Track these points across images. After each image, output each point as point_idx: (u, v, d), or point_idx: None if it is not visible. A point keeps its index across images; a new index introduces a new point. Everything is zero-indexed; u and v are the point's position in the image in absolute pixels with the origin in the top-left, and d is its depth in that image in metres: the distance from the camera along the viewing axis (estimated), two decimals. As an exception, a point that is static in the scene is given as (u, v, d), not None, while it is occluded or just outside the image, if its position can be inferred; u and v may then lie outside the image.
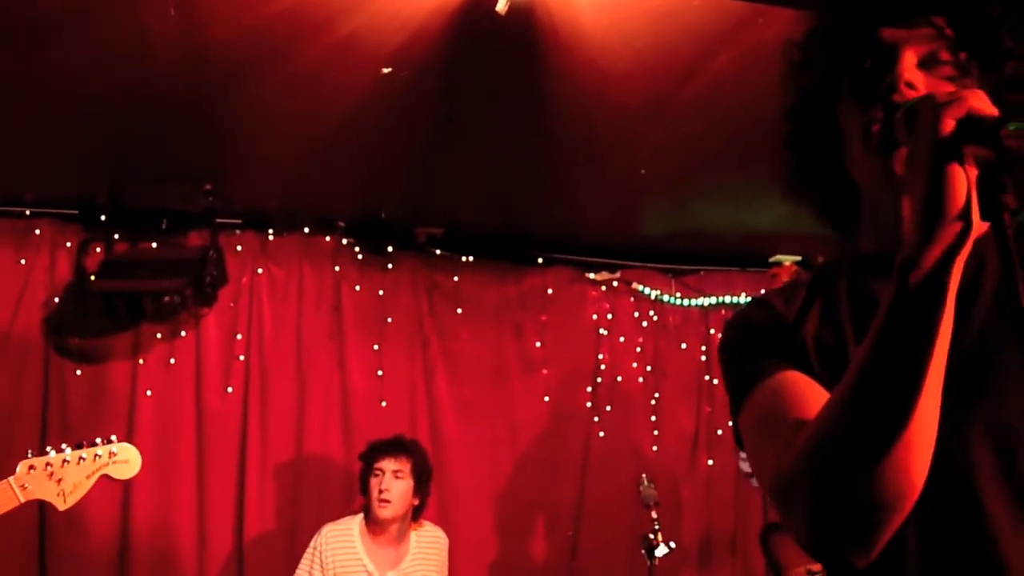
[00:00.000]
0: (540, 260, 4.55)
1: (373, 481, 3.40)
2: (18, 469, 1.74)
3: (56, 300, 3.93)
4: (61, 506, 1.78)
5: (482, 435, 4.35)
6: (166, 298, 3.65)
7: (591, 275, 4.62)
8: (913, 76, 1.02)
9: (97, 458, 1.83)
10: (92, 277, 3.81)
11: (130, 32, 2.63)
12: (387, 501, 3.34)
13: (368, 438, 3.65)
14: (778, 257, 4.80)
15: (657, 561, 2.77)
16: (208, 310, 4.00)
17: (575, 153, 3.49)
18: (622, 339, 4.61)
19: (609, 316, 4.62)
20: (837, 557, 0.92)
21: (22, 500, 1.73)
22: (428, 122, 3.24)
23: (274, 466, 4.05)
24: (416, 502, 3.46)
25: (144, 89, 2.97)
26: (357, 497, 3.70)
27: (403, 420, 4.15)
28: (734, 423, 1.17)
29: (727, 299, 4.75)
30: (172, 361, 4.00)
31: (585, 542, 4.36)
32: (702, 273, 4.79)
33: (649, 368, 4.62)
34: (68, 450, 1.80)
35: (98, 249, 3.95)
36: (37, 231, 3.94)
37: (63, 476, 1.78)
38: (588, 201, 4.07)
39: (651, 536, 2.79)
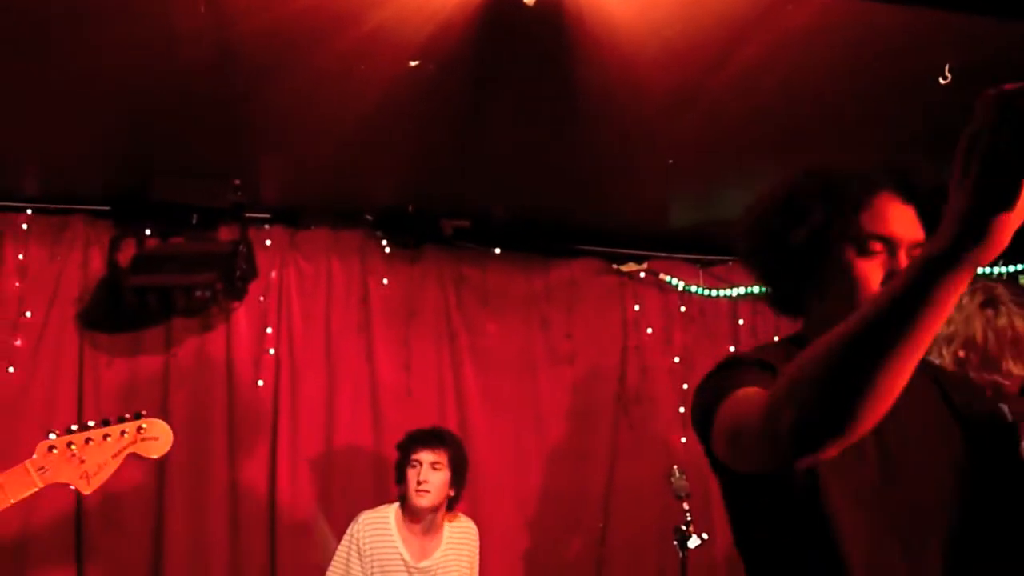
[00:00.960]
0: (567, 252, 4.54)
1: (411, 472, 3.44)
2: (37, 451, 1.57)
3: (89, 295, 3.98)
4: (85, 489, 1.61)
5: (510, 427, 4.36)
6: (197, 292, 3.68)
7: (618, 266, 4.61)
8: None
9: (124, 435, 1.65)
10: (125, 272, 3.85)
11: (161, 30, 2.65)
12: (426, 491, 3.38)
13: (397, 430, 3.68)
14: (807, 247, 4.76)
15: (689, 552, 2.77)
16: (238, 304, 4.03)
17: (602, 144, 3.47)
18: (650, 330, 4.59)
19: (637, 307, 4.60)
20: (813, 450, 1.12)
21: (41, 485, 1.57)
22: (455, 114, 3.24)
23: (305, 458, 4.08)
24: (451, 493, 3.49)
25: (174, 86, 2.99)
26: (387, 487, 3.73)
27: (431, 412, 4.16)
28: (707, 433, 1.39)
29: (756, 289, 4.70)
30: (203, 355, 4.03)
31: (614, 534, 4.36)
32: (731, 263, 4.75)
33: (677, 359, 4.60)
34: (92, 427, 1.62)
35: (130, 245, 3.99)
36: (71, 228, 3.99)
37: (87, 457, 1.61)
38: (615, 192, 4.05)
39: (683, 527, 2.78)
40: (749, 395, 1.30)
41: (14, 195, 3.94)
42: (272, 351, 4.10)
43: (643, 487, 4.38)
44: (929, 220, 1.50)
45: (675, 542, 2.80)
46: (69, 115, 3.21)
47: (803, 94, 3.08)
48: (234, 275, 3.75)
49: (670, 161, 3.62)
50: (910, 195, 1.50)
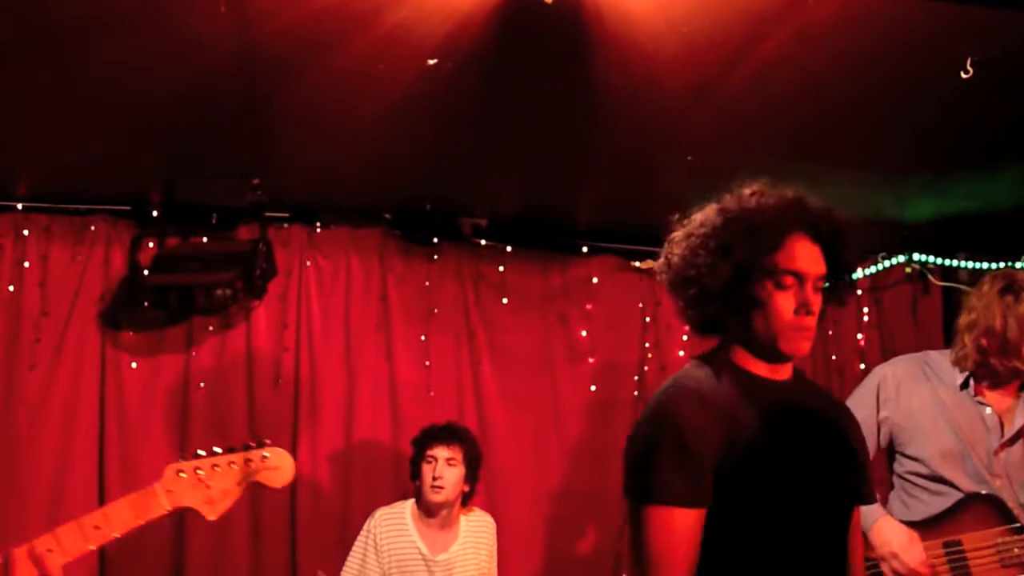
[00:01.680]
0: (585, 249, 4.53)
1: (426, 468, 3.46)
2: (165, 474, 1.58)
3: (111, 295, 4.02)
4: (210, 515, 1.61)
5: (529, 424, 4.36)
6: (218, 291, 3.70)
7: (637, 264, 4.59)
8: (813, 299, 1.83)
9: (248, 464, 1.65)
10: (145, 271, 3.89)
11: (182, 31, 2.66)
12: (440, 487, 3.40)
13: (416, 428, 3.69)
14: (826, 243, 4.73)
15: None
16: (258, 303, 4.05)
17: (621, 141, 3.46)
18: (669, 327, 4.58)
19: (656, 304, 4.59)
20: None
21: (168, 508, 1.59)
22: (473, 112, 3.24)
23: (325, 455, 4.10)
24: (466, 489, 3.51)
25: (194, 87, 3.01)
26: (407, 484, 3.74)
27: (450, 409, 4.17)
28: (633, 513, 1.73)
29: (775, 286, 4.68)
30: (224, 353, 4.06)
31: (633, 531, 4.35)
32: (749, 260, 4.73)
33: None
34: (219, 453, 1.64)
35: (150, 244, 4.03)
36: (92, 228, 4.02)
37: (212, 483, 1.61)
38: (633, 189, 4.03)
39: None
40: (671, 545, 1.65)
41: (37, 195, 3.97)
42: (292, 349, 4.12)
43: (662, 484, 4.38)
44: (831, 257, 1.85)
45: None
46: (91, 116, 3.23)
47: (822, 90, 3.06)
48: (254, 274, 3.78)
49: (688, 158, 3.60)
50: (817, 235, 1.84)
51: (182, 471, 1.63)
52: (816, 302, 1.82)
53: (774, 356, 1.84)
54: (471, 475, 3.52)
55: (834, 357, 4.70)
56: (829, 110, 3.21)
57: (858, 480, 1.93)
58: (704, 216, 1.94)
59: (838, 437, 1.92)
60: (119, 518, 1.55)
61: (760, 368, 1.86)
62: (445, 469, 3.42)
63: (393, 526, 3.48)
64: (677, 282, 1.91)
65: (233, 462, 1.67)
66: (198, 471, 1.63)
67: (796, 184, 4.01)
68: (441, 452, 3.45)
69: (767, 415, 1.77)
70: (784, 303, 1.79)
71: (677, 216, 2.03)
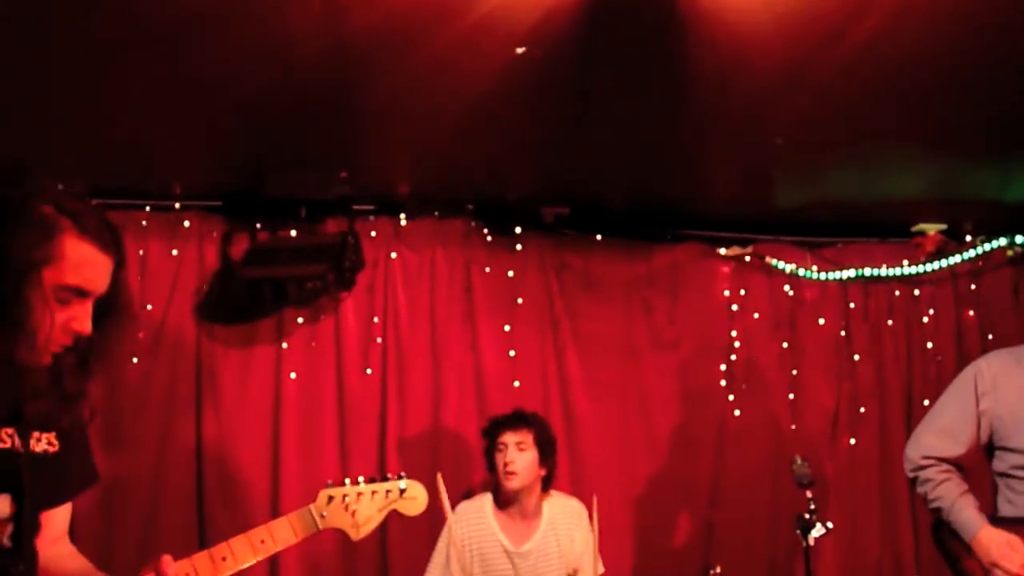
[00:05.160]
0: (669, 237, 4.47)
1: (498, 456, 3.43)
2: (319, 498, 1.79)
3: (205, 288, 4.13)
4: (355, 536, 1.83)
5: (615, 414, 4.33)
6: (309, 283, 3.77)
7: (722, 250, 4.52)
8: None
9: (388, 494, 1.88)
10: (239, 266, 3.98)
11: (275, 27, 2.70)
12: (513, 473, 3.35)
13: (503, 418, 3.68)
14: (922, 226, 4.58)
15: (812, 541, 2.70)
16: (347, 294, 4.12)
17: (709, 125, 3.40)
18: (756, 315, 4.50)
19: (742, 292, 4.51)
20: None
21: (320, 528, 1.79)
22: (560, 100, 3.22)
23: (413, 445, 4.14)
24: (543, 472, 3.45)
25: (286, 83, 3.06)
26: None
27: (536, 400, 4.17)
28: None
29: (867, 272, 4.55)
30: (314, 344, 4.14)
31: (723, 520, 4.30)
32: (840, 245, 4.61)
33: (786, 345, 4.49)
34: (363, 484, 1.86)
35: (242, 239, 4.12)
36: (186, 223, 4.13)
37: (357, 508, 1.83)
38: (720, 174, 3.97)
39: (806, 515, 2.71)
40: None
41: (134, 193, 4.10)
42: (379, 340, 4.18)
43: (752, 474, 4.31)
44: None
45: (797, 530, 2.72)
46: (186, 115, 3.32)
47: (923, 69, 2.95)
48: (343, 266, 3.84)
49: (779, 140, 3.52)
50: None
51: (332, 497, 1.83)
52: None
53: None
54: (545, 458, 3.44)
55: (930, 344, 4.54)
56: (929, 88, 3.09)
57: None
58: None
59: None
60: (282, 535, 1.73)
61: None
62: (516, 454, 3.38)
63: (474, 520, 3.44)
64: None
65: (376, 492, 1.89)
66: (346, 498, 1.83)
67: (894, 164, 3.91)
68: (510, 438, 3.41)
69: None
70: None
71: None
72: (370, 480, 1.88)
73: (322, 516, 1.78)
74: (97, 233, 1.49)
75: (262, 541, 1.69)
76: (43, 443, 1.59)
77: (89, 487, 1.72)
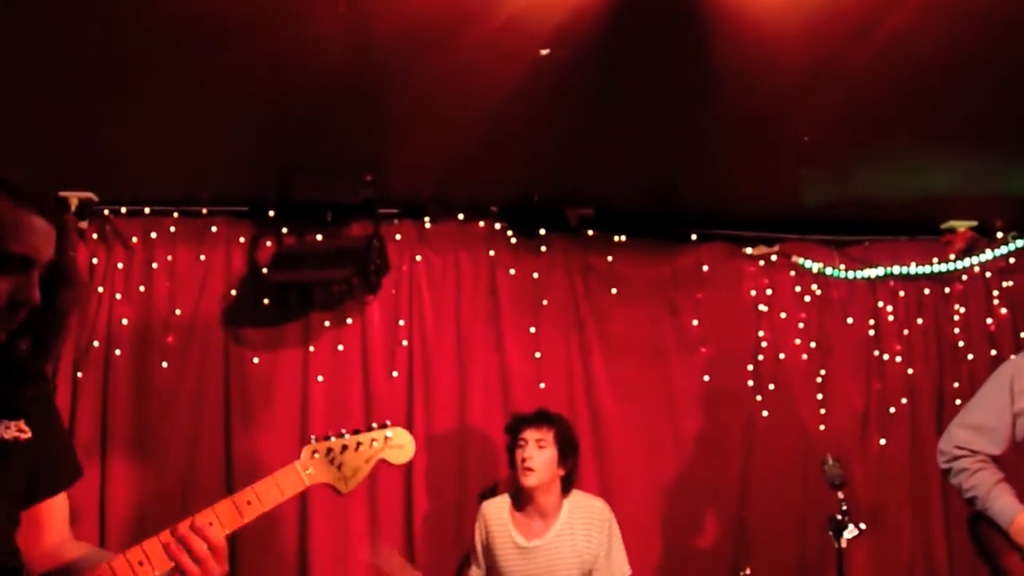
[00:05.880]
0: (694, 237, 4.45)
1: (517, 451, 3.42)
2: (302, 455, 1.74)
3: (233, 293, 4.16)
4: (343, 489, 1.77)
5: (641, 415, 4.31)
6: (335, 287, 3.79)
7: (748, 250, 4.49)
8: None
9: (374, 443, 1.80)
10: (265, 270, 4.01)
11: (300, 34, 2.72)
12: (530, 469, 3.34)
13: (529, 419, 3.68)
14: (951, 223, 4.52)
15: (845, 543, 2.67)
16: (372, 297, 4.13)
17: (735, 123, 3.38)
18: (783, 315, 4.46)
19: (769, 292, 4.47)
20: None
21: (307, 484, 1.73)
22: (583, 101, 3.22)
23: (439, 446, 4.15)
24: (562, 473, 3.42)
25: (311, 88, 3.08)
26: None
27: (561, 401, 4.16)
28: None
29: (896, 270, 4.50)
30: (340, 348, 4.16)
31: (752, 522, 4.26)
32: (868, 243, 4.56)
33: (813, 344, 4.45)
34: (346, 435, 1.79)
35: (268, 243, 4.15)
36: (213, 228, 4.18)
37: (343, 461, 1.76)
38: (745, 173, 3.94)
39: (839, 516, 2.68)
40: None
41: (163, 200, 4.15)
42: (405, 342, 4.19)
43: (781, 475, 4.27)
44: None
45: (830, 532, 2.69)
46: (213, 123, 3.35)
47: (952, 64, 2.91)
48: (368, 269, 3.85)
49: (805, 138, 3.49)
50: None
51: (316, 451, 1.76)
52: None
53: None
54: (564, 459, 3.40)
55: (961, 343, 4.48)
56: (959, 83, 3.05)
57: None
58: None
59: None
60: (268, 494, 1.67)
61: None
62: (535, 451, 3.36)
63: (495, 516, 3.46)
64: None
65: (360, 443, 1.80)
66: (330, 452, 1.76)
67: (923, 161, 3.86)
68: (531, 434, 3.40)
69: None
70: None
71: None
72: (354, 432, 1.81)
73: (308, 472, 1.72)
74: (35, 200, 1.47)
75: (248, 503, 1.64)
76: (12, 430, 1.54)
77: (77, 479, 1.72)
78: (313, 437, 1.79)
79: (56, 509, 1.66)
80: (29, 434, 1.55)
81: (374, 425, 1.83)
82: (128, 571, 1.53)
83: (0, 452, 1.50)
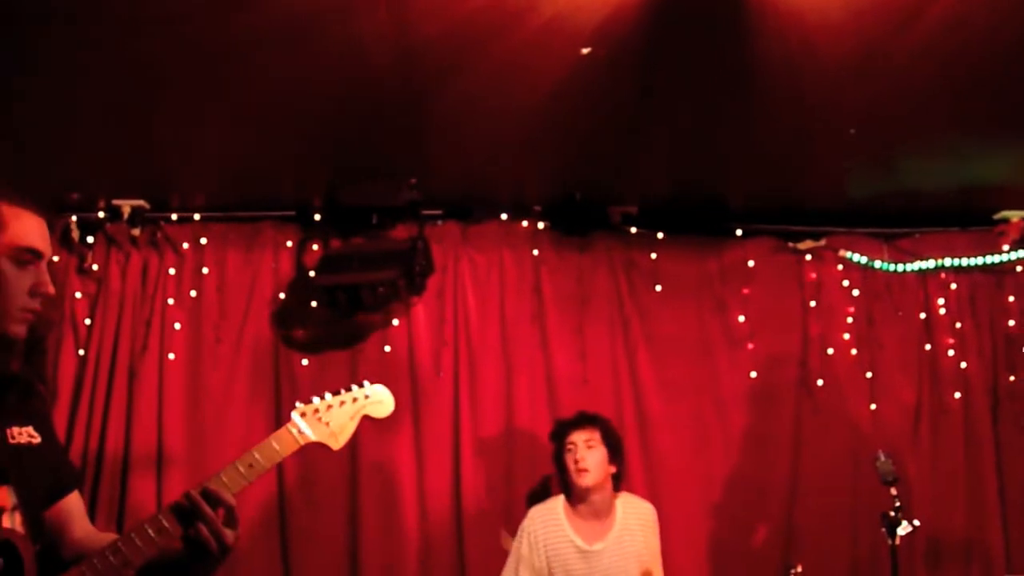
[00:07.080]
0: (739, 232, 4.41)
1: (568, 456, 3.46)
2: (292, 416, 1.88)
3: (281, 296, 4.23)
4: (335, 445, 1.92)
5: (688, 413, 4.29)
6: (381, 289, 3.84)
7: (794, 244, 4.44)
8: None
9: (355, 401, 1.94)
10: (313, 273, 4.07)
11: (345, 39, 2.77)
12: (585, 470, 3.40)
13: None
14: (1004, 213, 4.42)
15: (899, 540, 2.63)
16: (418, 299, 4.17)
17: (778, 117, 3.35)
18: (831, 309, 4.40)
19: (816, 286, 4.41)
20: None
21: (301, 443, 1.87)
22: (626, 99, 3.22)
23: (486, 446, 4.17)
24: (613, 470, 3.47)
25: (357, 93, 3.13)
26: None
27: (607, 400, 4.16)
28: None
29: (947, 262, 4.42)
30: (387, 349, 4.20)
31: (801, 520, 4.21)
32: (917, 235, 4.48)
33: (863, 339, 4.38)
34: (329, 396, 1.93)
35: (315, 246, 4.22)
36: (261, 233, 4.25)
37: (330, 419, 1.90)
38: (790, 167, 3.90)
39: (892, 513, 2.65)
40: None
41: (212, 206, 4.24)
42: (451, 343, 4.22)
43: (832, 472, 4.22)
44: None
45: (883, 528, 2.66)
46: (261, 128, 3.42)
47: (999, 53, 2.86)
48: (414, 271, 3.89)
49: (852, 130, 3.45)
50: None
51: (304, 413, 1.91)
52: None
53: None
54: (614, 456, 3.47)
55: (1012, 323, 4.38)
56: (1010, 70, 2.99)
57: None
58: None
59: None
60: (268, 456, 1.83)
61: None
62: (586, 452, 3.42)
63: (547, 522, 3.47)
64: None
65: (343, 401, 1.95)
66: (317, 412, 1.91)
67: (974, 150, 3.79)
68: (579, 437, 3.46)
69: None
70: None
71: None
72: (336, 393, 1.95)
73: (300, 433, 1.86)
74: (28, 199, 1.62)
75: (250, 465, 1.78)
76: (24, 436, 1.68)
77: (82, 482, 1.84)
78: (299, 403, 1.94)
79: (75, 504, 1.80)
80: (39, 439, 1.70)
81: (353, 385, 1.99)
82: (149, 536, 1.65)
83: (15, 455, 1.64)
